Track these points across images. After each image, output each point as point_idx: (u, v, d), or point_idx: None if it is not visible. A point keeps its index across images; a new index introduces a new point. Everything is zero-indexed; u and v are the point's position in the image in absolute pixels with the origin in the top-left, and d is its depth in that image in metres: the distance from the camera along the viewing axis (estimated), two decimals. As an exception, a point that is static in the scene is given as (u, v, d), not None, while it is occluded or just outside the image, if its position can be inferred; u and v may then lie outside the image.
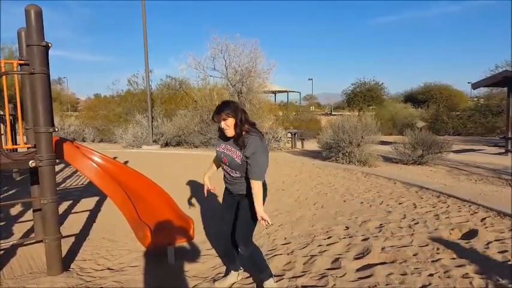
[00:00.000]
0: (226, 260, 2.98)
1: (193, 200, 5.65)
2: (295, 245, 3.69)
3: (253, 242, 2.82)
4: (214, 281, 2.93)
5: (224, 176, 2.79)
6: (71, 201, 5.74)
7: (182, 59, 24.45)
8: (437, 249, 3.37)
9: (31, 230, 4.23)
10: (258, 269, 2.77)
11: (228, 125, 2.54)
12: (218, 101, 13.72)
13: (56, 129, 3.09)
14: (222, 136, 2.67)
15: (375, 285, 2.75)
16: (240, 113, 2.55)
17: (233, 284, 2.92)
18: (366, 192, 5.97)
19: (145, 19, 13.92)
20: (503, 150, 11.37)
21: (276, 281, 2.91)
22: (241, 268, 2.99)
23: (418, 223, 4.19)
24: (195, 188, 6.44)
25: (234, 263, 2.92)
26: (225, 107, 2.55)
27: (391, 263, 3.14)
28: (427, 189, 5.83)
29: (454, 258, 3.14)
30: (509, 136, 11.18)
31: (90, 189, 6.35)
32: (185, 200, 5.46)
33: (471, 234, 3.81)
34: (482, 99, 23.32)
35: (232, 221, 2.79)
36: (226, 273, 2.96)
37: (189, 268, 3.26)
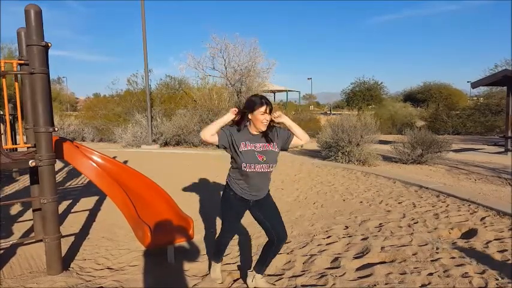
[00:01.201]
0: (217, 256, 2.97)
1: (193, 200, 5.65)
2: (294, 244, 3.69)
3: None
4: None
5: (247, 187, 2.59)
6: (70, 201, 5.74)
7: (182, 59, 24.44)
8: (437, 248, 3.38)
9: (31, 230, 4.23)
10: (270, 261, 2.82)
11: (268, 119, 2.50)
12: (217, 101, 13.74)
13: (56, 129, 3.09)
14: (246, 134, 2.54)
15: (375, 285, 2.76)
16: None
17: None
18: (365, 191, 5.98)
19: (145, 19, 13.92)
20: (502, 149, 11.38)
21: (276, 280, 2.93)
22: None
23: (417, 222, 4.20)
24: (195, 187, 6.44)
25: (220, 258, 3.00)
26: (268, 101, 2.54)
27: (390, 262, 3.14)
28: (427, 188, 5.84)
29: (453, 258, 3.15)
30: (509, 135, 11.19)
31: (89, 189, 6.35)
32: (185, 200, 5.46)
33: (471, 233, 3.82)
34: (481, 98, 23.35)
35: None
36: (210, 268, 3.05)
37: (189, 267, 3.27)
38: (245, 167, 2.49)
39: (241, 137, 2.52)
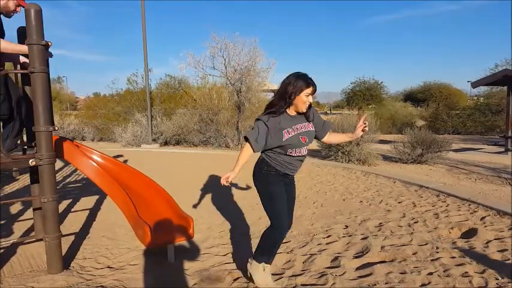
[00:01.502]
0: (267, 255, 2.70)
1: (193, 199, 5.65)
2: (294, 244, 3.69)
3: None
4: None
5: (288, 164, 2.54)
6: (70, 200, 5.74)
7: (181, 58, 24.40)
8: (437, 248, 3.38)
9: (31, 229, 4.23)
10: (277, 250, 2.84)
11: (310, 101, 2.46)
12: (217, 100, 13.74)
13: (56, 128, 3.09)
14: (285, 118, 2.46)
15: (375, 284, 2.76)
16: None
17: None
18: (365, 191, 5.98)
19: (145, 19, 13.91)
20: (502, 149, 11.39)
21: (276, 280, 2.93)
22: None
23: (417, 222, 4.20)
24: (195, 186, 6.44)
25: (272, 258, 2.83)
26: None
27: (390, 261, 3.15)
28: (427, 188, 5.84)
29: (453, 257, 3.15)
30: (509, 135, 11.19)
31: (90, 188, 6.35)
32: (185, 199, 5.46)
33: (471, 233, 3.82)
34: (482, 98, 23.35)
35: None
36: (253, 273, 2.76)
37: (189, 266, 3.27)
38: (291, 152, 2.49)
39: (281, 124, 2.45)
